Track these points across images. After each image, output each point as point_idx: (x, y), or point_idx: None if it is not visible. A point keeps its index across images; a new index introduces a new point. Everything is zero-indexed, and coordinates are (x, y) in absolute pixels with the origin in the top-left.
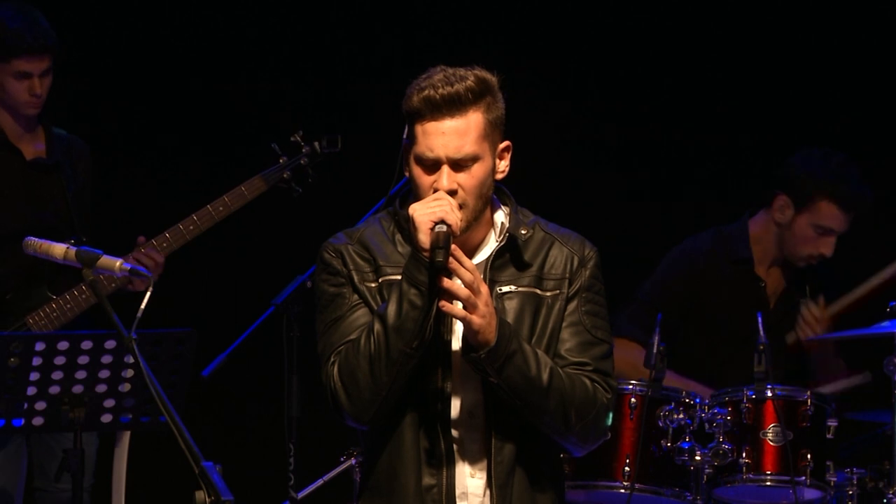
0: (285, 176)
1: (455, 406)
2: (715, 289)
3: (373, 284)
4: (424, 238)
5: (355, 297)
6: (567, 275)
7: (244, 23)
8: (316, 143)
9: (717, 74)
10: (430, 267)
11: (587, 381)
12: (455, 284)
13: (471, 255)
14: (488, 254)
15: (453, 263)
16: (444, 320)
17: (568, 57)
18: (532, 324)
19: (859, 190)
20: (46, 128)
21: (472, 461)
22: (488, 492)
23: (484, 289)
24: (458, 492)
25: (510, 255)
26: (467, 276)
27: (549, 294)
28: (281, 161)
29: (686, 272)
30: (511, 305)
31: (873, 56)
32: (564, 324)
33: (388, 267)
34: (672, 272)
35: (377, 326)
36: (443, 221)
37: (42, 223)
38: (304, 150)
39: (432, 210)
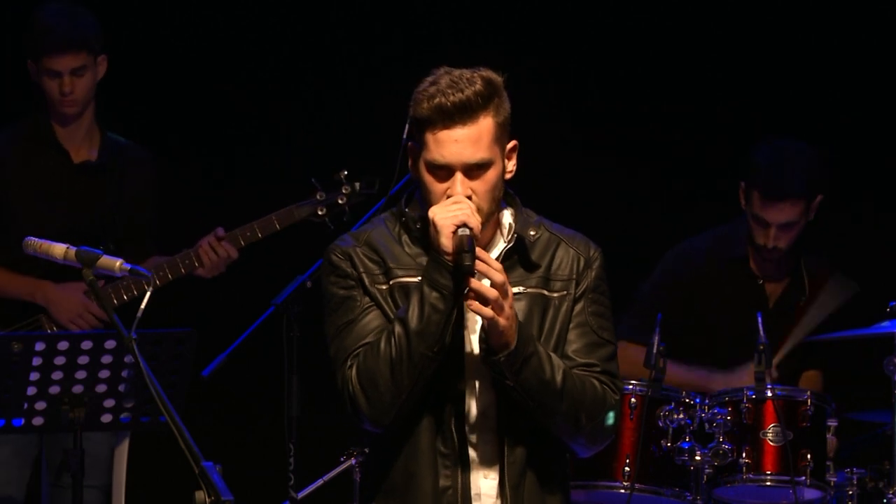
0: (320, 212)
1: (470, 408)
2: (714, 288)
3: (384, 286)
4: (447, 242)
5: (366, 299)
6: (574, 276)
7: (243, 22)
8: (356, 184)
9: (718, 74)
10: (456, 270)
11: (596, 383)
12: (485, 286)
13: None
14: (496, 254)
15: (482, 266)
16: (461, 322)
17: (568, 57)
18: (540, 325)
19: (777, 178)
20: (102, 132)
21: (486, 463)
22: (501, 493)
23: (510, 290)
24: (472, 493)
25: (518, 256)
26: (499, 277)
27: (556, 295)
28: (318, 196)
29: (684, 272)
30: (520, 307)
31: (873, 56)
32: (571, 325)
33: (399, 269)
34: (670, 273)
35: (398, 330)
36: (465, 225)
37: (78, 227)
38: (343, 190)
39: (454, 214)
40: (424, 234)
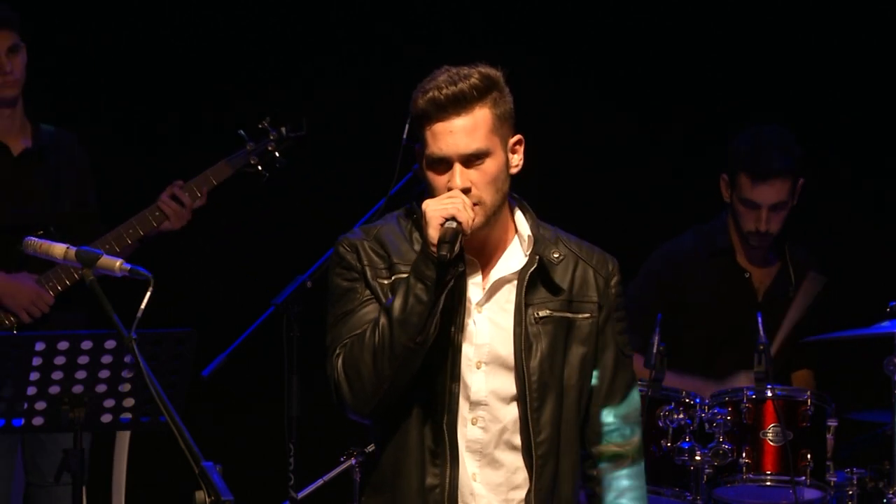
0: (252, 161)
1: (461, 406)
2: (700, 284)
3: (385, 281)
4: (434, 233)
5: (367, 292)
6: (597, 298)
7: (243, 22)
8: (282, 128)
9: (718, 74)
10: (437, 262)
11: (636, 442)
12: None
13: (491, 256)
14: (513, 261)
15: None
16: (454, 319)
17: (568, 56)
18: (565, 351)
19: (764, 157)
20: (34, 123)
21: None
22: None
23: None
24: (460, 493)
25: (541, 279)
26: None
27: (580, 317)
28: (248, 147)
29: (670, 272)
30: (547, 330)
31: (873, 56)
32: (600, 349)
33: (402, 265)
34: (655, 274)
35: (382, 320)
36: (454, 218)
37: (22, 218)
38: (270, 136)
39: (444, 206)
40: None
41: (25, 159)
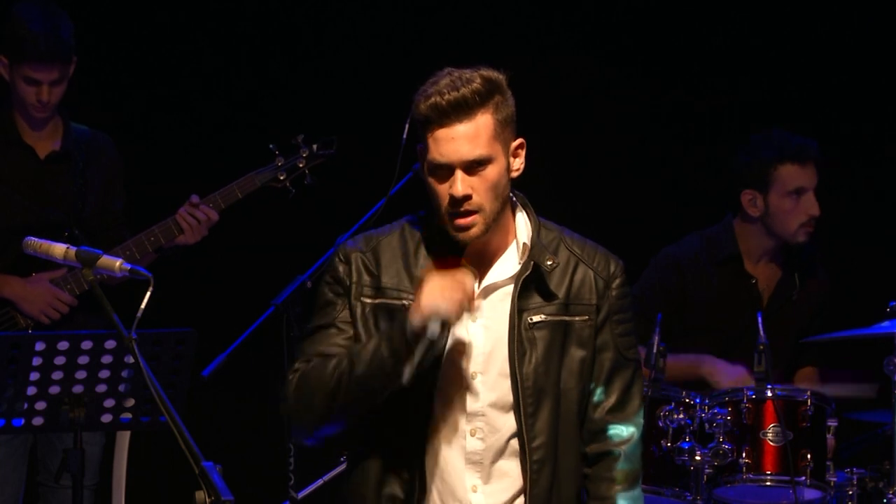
0: (280, 177)
1: (459, 420)
2: (705, 292)
3: (368, 300)
4: (419, 324)
5: (346, 312)
6: (595, 300)
7: (244, 19)
8: (314, 146)
9: (717, 74)
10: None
11: (635, 454)
12: None
13: (489, 262)
14: (507, 267)
15: None
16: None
17: (568, 56)
18: (562, 354)
19: (802, 141)
20: (65, 122)
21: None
22: None
23: None
24: None
25: (535, 285)
26: None
27: (577, 319)
28: (278, 162)
29: (675, 276)
30: (542, 335)
31: (873, 56)
32: (598, 350)
33: (391, 290)
34: (660, 277)
35: (344, 366)
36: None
37: (46, 219)
38: (301, 153)
39: (437, 305)
40: (445, 245)
41: (51, 162)
